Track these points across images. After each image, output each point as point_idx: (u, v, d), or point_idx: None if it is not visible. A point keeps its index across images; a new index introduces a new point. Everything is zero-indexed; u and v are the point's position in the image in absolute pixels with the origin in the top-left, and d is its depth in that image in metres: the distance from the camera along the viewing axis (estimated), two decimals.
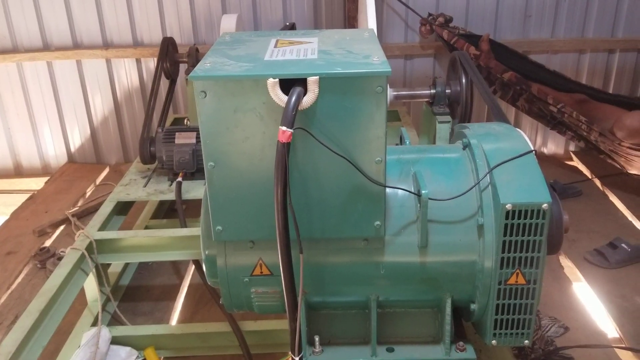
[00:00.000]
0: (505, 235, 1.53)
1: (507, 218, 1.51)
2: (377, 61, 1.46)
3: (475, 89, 2.64)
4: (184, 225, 2.85)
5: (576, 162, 4.30)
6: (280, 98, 1.38)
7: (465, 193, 1.59)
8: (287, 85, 1.40)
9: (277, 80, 1.38)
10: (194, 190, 3.05)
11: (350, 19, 3.91)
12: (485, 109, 4.29)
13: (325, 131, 1.45)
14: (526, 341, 1.66)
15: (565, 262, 3.15)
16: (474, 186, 1.59)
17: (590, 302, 2.88)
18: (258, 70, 1.43)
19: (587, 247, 3.24)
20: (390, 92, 2.66)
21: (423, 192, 1.54)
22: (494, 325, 1.63)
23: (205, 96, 1.42)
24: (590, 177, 4.02)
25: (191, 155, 3.11)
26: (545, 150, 4.41)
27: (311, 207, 1.52)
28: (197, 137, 3.14)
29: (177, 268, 3.26)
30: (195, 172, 3.14)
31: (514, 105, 3.73)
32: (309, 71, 1.40)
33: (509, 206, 1.49)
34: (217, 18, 4.10)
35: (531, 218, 1.50)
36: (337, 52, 1.57)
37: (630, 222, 3.54)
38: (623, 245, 3.14)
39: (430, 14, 3.89)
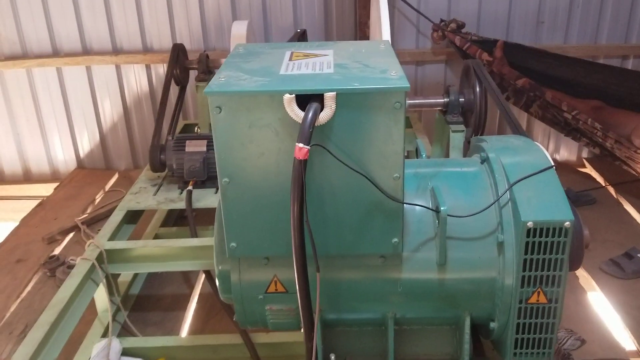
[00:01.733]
0: (526, 253, 1.49)
1: (528, 236, 1.47)
2: (394, 76, 1.43)
3: (489, 98, 2.60)
4: (194, 234, 2.82)
5: (589, 169, 4.25)
6: (297, 114, 1.36)
7: (484, 210, 1.55)
8: (303, 100, 1.37)
9: (293, 95, 1.35)
10: (205, 198, 3.03)
11: (362, 25, 3.88)
12: (496, 118, 4.24)
13: (342, 147, 1.42)
14: None
15: (581, 272, 3.11)
16: (494, 203, 1.55)
17: (606, 313, 2.83)
18: (274, 85, 1.40)
19: (602, 256, 3.19)
20: None
21: (442, 208, 1.50)
22: (514, 344, 1.59)
23: (220, 111, 1.39)
24: (604, 185, 3.96)
25: (202, 163, 3.09)
26: (557, 157, 4.36)
27: (327, 224, 1.49)
28: (208, 145, 3.12)
29: (187, 277, 3.24)
30: (206, 180, 3.12)
31: (527, 111, 3.69)
32: (326, 87, 1.37)
33: (530, 224, 1.46)
34: (228, 24, 4.09)
35: (553, 236, 1.47)
36: (353, 65, 1.54)
37: None
38: (639, 255, 3.09)
39: (442, 20, 3.86)
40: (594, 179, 4.10)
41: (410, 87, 4.16)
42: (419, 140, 1.95)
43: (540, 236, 1.47)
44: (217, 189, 3.08)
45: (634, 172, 3.52)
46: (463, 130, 2.69)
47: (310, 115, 1.34)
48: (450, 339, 1.71)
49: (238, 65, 1.58)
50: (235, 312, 1.70)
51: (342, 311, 1.66)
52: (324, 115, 1.37)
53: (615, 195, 3.87)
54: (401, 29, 4.06)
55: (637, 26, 3.97)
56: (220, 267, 1.67)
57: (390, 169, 1.44)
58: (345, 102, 1.38)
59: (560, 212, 1.47)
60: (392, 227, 1.50)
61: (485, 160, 1.69)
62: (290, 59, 1.62)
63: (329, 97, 1.36)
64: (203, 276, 3.11)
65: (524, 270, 1.51)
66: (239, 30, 3.51)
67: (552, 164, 1.62)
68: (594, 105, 3.66)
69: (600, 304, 2.90)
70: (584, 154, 4.33)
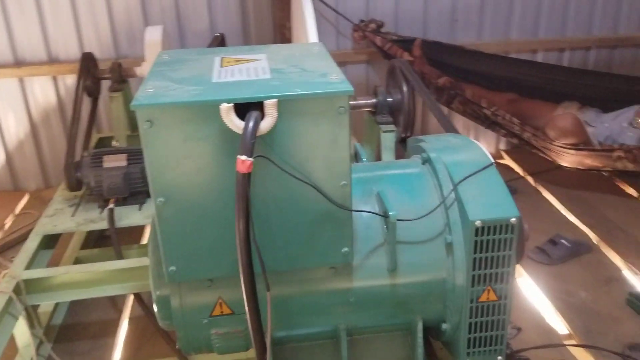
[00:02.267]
0: (475, 252, 1.48)
1: (476, 235, 1.46)
2: (336, 79, 1.38)
3: (417, 97, 2.62)
4: (119, 256, 2.64)
5: (507, 160, 4.41)
6: (236, 124, 1.27)
7: (432, 212, 1.53)
8: (241, 109, 1.29)
9: (231, 105, 1.26)
10: (129, 216, 2.84)
11: (281, 28, 3.82)
12: (420, 116, 4.31)
13: (286, 157, 1.34)
14: (499, 357, 1.62)
15: None
16: (441, 204, 1.53)
17: (538, 300, 2.93)
18: (209, 94, 1.31)
19: (528, 245, 3.30)
20: None
21: (390, 213, 1.46)
22: (467, 344, 1.59)
23: (151, 126, 1.28)
24: (522, 175, 4.12)
25: (122, 179, 2.90)
26: None
27: (275, 239, 1.41)
28: (129, 159, 2.93)
29: (114, 301, 3.04)
30: (129, 196, 2.93)
31: (449, 107, 3.77)
32: (266, 93, 1.29)
33: (478, 223, 1.45)
34: (139, 30, 3.88)
35: (500, 233, 1.47)
36: (290, 70, 1.47)
37: (565, 216, 3.65)
38: (562, 241, 3.23)
39: (362, 20, 3.87)
40: (513, 170, 4.26)
41: None
42: (357, 144, 1.91)
43: (489, 234, 1.47)
44: (141, 205, 2.91)
45: (549, 159, 3.68)
46: (394, 130, 2.70)
47: (251, 125, 1.25)
48: (403, 344, 1.68)
49: (165, 74, 1.46)
50: (177, 338, 1.58)
51: (292, 327, 1.59)
52: (266, 124, 1.29)
53: (534, 184, 4.03)
54: (321, 30, 4.01)
55: (544, 22, 4.16)
56: (158, 293, 1.55)
57: (337, 176, 1.38)
58: (287, 109, 1.31)
59: (506, 209, 1.48)
60: (342, 237, 1.44)
61: (427, 160, 1.67)
62: (221, 65, 1.53)
63: (270, 105, 1.28)
64: (132, 299, 2.93)
65: (474, 269, 1.50)
66: (153, 36, 3.34)
67: (492, 160, 1.63)
68: (510, 97, 3.81)
69: (531, 291, 2.99)
70: (502, 146, 4.49)
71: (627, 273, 3.10)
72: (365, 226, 1.54)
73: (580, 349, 2.56)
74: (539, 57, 4.24)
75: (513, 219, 1.46)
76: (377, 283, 1.54)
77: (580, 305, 2.87)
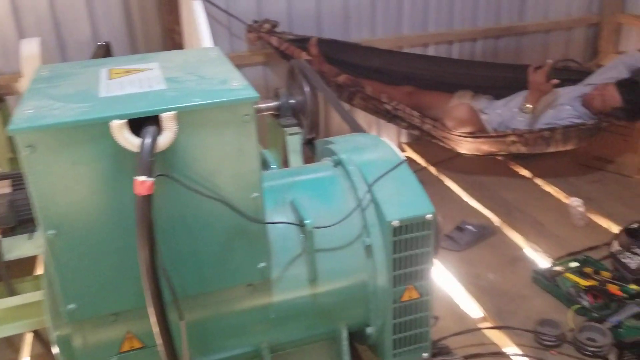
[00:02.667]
0: (394, 252, 1.46)
1: (395, 235, 1.44)
2: (238, 85, 1.29)
3: (320, 97, 2.58)
4: (11, 291, 2.39)
5: (410, 152, 4.50)
6: (132, 142, 1.15)
7: (349, 216, 1.49)
8: (136, 125, 1.17)
9: (124, 121, 1.15)
10: (18, 247, 2.57)
11: (170, 32, 3.64)
12: (324, 116, 4.29)
13: (190, 173, 1.24)
14: (425, 354, 1.62)
15: None
16: (357, 207, 1.49)
17: (451, 286, 2.99)
18: (98, 111, 1.18)
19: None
20: None
21: (306, 222, 1.40)
22: (392, 345, 1.57)
23: (34, 151, 1.13)
24: (425, 165, 4.22)
25: (8, 207, 2.62)
26: None
27: (184, 263, 1.31)
28: (14, 185, 2.66)
29: (11, 341, 2.76)
30: (16, 226, 2.66)
31: (351, 103, 3.77)
32: (162, 106, 1.19)
33: (395, 223, 1.43)
34: (13, 44, 3.55)
35: (418, 231, 1.46)
36: (187, 78, 1.37)
37: (467, 202, 3.78)
38: (468, 226, 3.33)
39: (255, 21, 3.78)
40: (415, 161, 4.35)
41: None
42: (265, 150, 1.84)
43: (407, 233, 1.45)
44: (31, 234, 2.66)
45: (448, 147, 3.80)
46: (299, 133, 2.65)
47: (148, 142, 1.14)
48: (328, 353, 1.64)
49: (45, 91, 1.31)
50: None
51: (212, 352, 1.49)
52: (164, 140, 1.18)
53: (436, 174, 4.14)
54: (213, 32, 3.89)
55: (433, 16, 4.28)
56: (57, 333, 1.39)
57: (247, 188, 1.30)
58: (187, 122, 1.21)
59: (421, 206, 1.47)
60: (257, 252, 1.36)
61: (338, 163, 1.63)
62: (109, 78, 1.40)
63: (168, 118, 1.18)
64: (31, 336, 2.67)
65: (395, 270, 1.48)
66: (30, 49, 3.06)
67: (403, 157, 1.62)
68: (407, 90, 3.88)
69: (443, 279, 3.05)
70: (403, 139, 4.58)
71: (529, 251, 3.25)
72: (282, 237, 1.47)
73: (496, 330, 2.65)
74: (431, 50, 4.37)
75: (429, 215, 1.46)
76: (298, 295, 1.48)
77: (490, 287, 2.97)
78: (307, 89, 2.61)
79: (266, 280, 1.42)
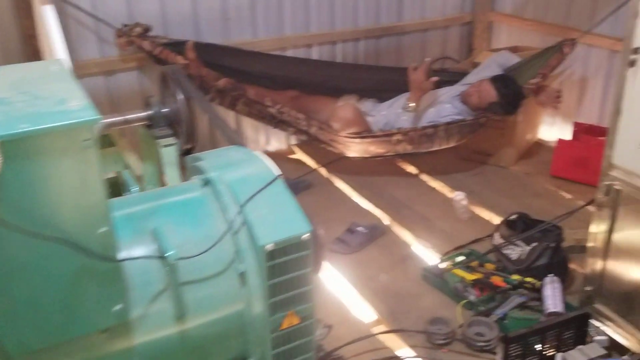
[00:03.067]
0: (270, 278, 1.36)
1: (269, 259, 1.34)
2: (77, 106, 1.13)
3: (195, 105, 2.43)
4: None
5: (299, 155, 4.44)
6: None
7: (218, 242, 1.36)
8: None
9: None
10: None
11: (30, 39, 3.31)
12: (209, 124, 4.11)
13: (23, 210, 1.07)
14: None
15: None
16: (227, 231, 1.37)
17: (343, 291, 2.96)
18: None
19: (329, 237, 3.33)
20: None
21: (168, 254, 1.26)
22: None
23: None
24: (315, 167, 4.18)
25: None
26: (270, 148, 4.46)
27: (23, 315, 1.12)
28: None
29: None
30: None
31: (234, 109, 3.63)
32: None
33: (269, 246, 1.33)
34: None
35: (294, 253, 1.36)
36: (18, 99, 1.18)
37: (358, 203, 3.78)
38: (359, 228, 3.31)
39: (125, 25, 3.53)
40: (305, 164, 4.29)
41: (105, 102, 3.73)
42: (125, 172, 1.66)
43: (282, 256, 1.35)
44: None
45: (337, 151, 3.77)
46: (174, 144, 2.48)
47: None
48: None
49: None
50: None
51: None
52: None
53: (327, 175, 4.11)
54: (80, 37, 3.59)
55: (315, 16, 4.23)
56: None
57: (93, 223, 1.14)
58: (14, 151, 1.03)
59: (297, 225, 1.37)
60: (111, 294, 1.21)
61: (207, 182, 1.50)
62: None
63: None
64: None
65: (272, 297, 1.38)
66: None
67: (278, 172, 1.52)
68: (292, 95, 3.80)
69: (336, 284, 3.01)
70: (293, 141, 4.51)
71: (418, 248, 3.29)
72: (142, 271, 1.32)
73: (390, 333, 2.64)
74: (314, 51, 4.31)
75: (305, 235, 1.37)
76: (164, 334, 1.33)
77: (383, 288, 2.97)
78: (180, 96, 2.45)
79: (124, 322, 1.26)
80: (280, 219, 1.37)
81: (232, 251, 1.37)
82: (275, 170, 1.51)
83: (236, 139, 1.97)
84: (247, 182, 1.45)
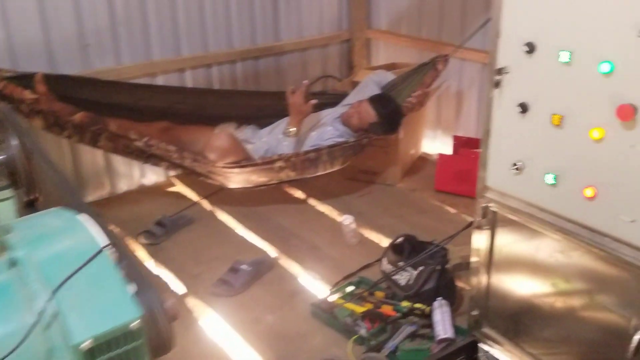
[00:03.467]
0: None
1: (90, 359, 1.09)
2: None
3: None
4: None
5: (179, 187, 4.16)
6: None
7: (25, 339, 1.10)
8: None
9: None
10: None
11: None
12: (74, 167, 3.73)
13: None
14: None
15: (194, 303, 2.91)
16: (33, 327, 1.11)
17: (226, 338, 2.72)
18: None
19: (211, 278, 3.09)
20: None
21: None
22: None
23: None
24: (197, 200, 3.92)
25: None
26: (146, 182, 4.12)
27: None
28: None
29: None
30: None
31: (97, 146, 3.28)
32: None
33: (87, 344, 1.08)
34: None
35: (122, 346, 1.12)
36: None
37: (242, 237, 3.57)
38: (242, 266, 3.10)
39: None
40: (185, 197, 4.02)
41: None
42: None
43: (106, 352, 1.11)
44: None
45: (218, 184, 3.54)
46: (12, 196, 2.16)
47: None
48: None
49: None
50: None
51: None
52: None
53: (210, 208, 3.86)
54: None
55: (185, 39, 3.96)
56: None
57: None
58: None
59: (122, 311, 1.13)
60: None
61: (14, 262, 1.22)
62: None
63: None
64: None
65: None
66: None
67: (104, 243, 1.27)
68: (162, 126, 3.53)
69: (218, 331, 2.77)
70: (172, 173, 4.21)
71: (307, 280, 3.13)
72: None
73: None
74: (188, 76, 4.04)
75: (135, 323, 1.13)
76: None
77: (269, 331, 2.77)
78: (14, 141, 2.13)
79: None
80: (102, 305, 1.13)
81: (42, 351, 1.11)
82: (102, 240, 1.26)
83: (73, 194, 1.69)
84: (64, 259, 1.19)
